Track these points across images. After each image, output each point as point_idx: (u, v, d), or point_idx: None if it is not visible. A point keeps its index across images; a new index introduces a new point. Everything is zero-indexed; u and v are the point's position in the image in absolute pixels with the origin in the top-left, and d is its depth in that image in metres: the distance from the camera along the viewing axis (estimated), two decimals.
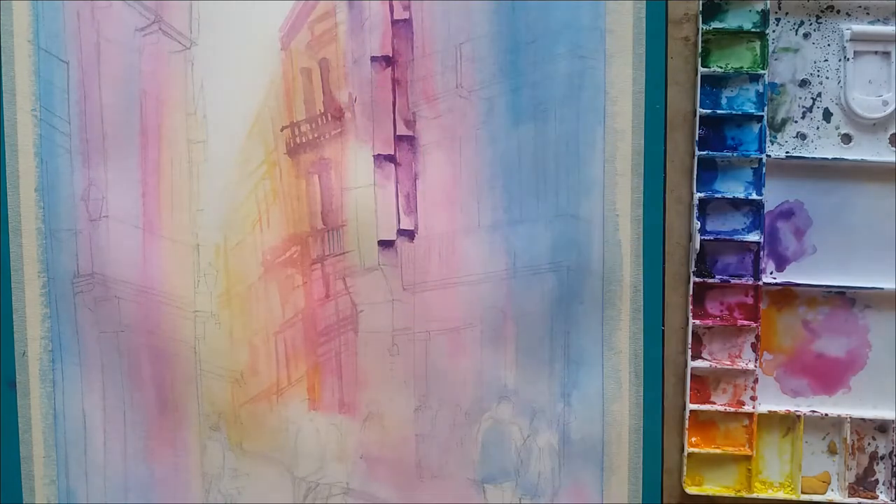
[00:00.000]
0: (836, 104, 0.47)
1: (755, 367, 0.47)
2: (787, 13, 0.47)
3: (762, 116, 0.46)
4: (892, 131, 0.47)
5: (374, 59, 0.47)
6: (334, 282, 0.48)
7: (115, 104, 0.48)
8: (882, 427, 0.47)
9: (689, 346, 0.47)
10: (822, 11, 0.46)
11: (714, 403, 0.47)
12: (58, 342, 0.49)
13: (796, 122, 0.47)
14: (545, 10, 0.47)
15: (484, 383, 0.48)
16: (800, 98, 0.47)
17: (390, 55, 0.47)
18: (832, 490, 0.47)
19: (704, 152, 0.46)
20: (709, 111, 0.46)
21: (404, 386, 0.48)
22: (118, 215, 0.48)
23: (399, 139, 0.48)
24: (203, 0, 0.47)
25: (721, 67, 0.46)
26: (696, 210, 0.47)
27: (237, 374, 0.49)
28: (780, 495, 0.47)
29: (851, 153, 0.47)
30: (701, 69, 0.46)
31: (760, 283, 0.47)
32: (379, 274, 0.48)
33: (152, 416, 0.49)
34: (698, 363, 0.47)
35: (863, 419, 0.47)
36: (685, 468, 0.47)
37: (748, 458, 0.47)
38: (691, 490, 0.47)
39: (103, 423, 0.49)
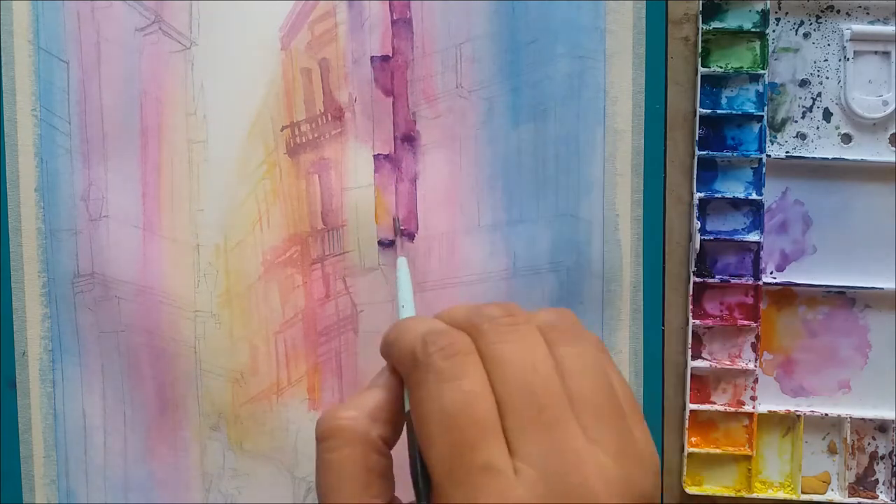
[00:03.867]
0: (836, 104, 0.47)
1: (755, 367, 0.47)
2: (787, 13, 0.47)
3: (762, 116, 0.46)
4: (892, 131, 0.47)
5: (374, 59, 0.47)
6: (334, 282, 0.48)
7: (115, 104, 0.48)
8: (882, 427, 0.47)
9: (689, 346, 0.47)
10: (822, 11, 0.47)
11: (714, 403, 0.47)
12: (58, 342, 0.49)
13: (796, 122, 0.47)
14: (545, 10, 0.47)
15: None
16: (800, 98, 0.47)
17: (390, 55, 0.47)
18: (832, 490, 0.47)
19: (704, 152, 0.46)
20: (709, 111, 0.46)
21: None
22: (118, 215, 0.48)
23: (399, 139, 0.48)
24: (203, 0, 0.47)
25: (721, 67, 0.46)
26: (696, 210, 0.47)
27: (237, 374, 0.49)
28: (780, 495, 0.47)
29: (851, 153, 0.47)
30: (701, 69, 0.46)
31: (760, 283, 0.47)
32: (379, 274, 0.48)
33: (152, 416, 0.49)
34: (698, 363, 0.47)
35: (863, 419, 0.47)
36: (685, 468, 0.47)
37: (748, 458, 0.47)
38: (691, 490, 0.47)
39: (103, 423, 0.49)
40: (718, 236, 0.47)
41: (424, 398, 0.23)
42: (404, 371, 0.25)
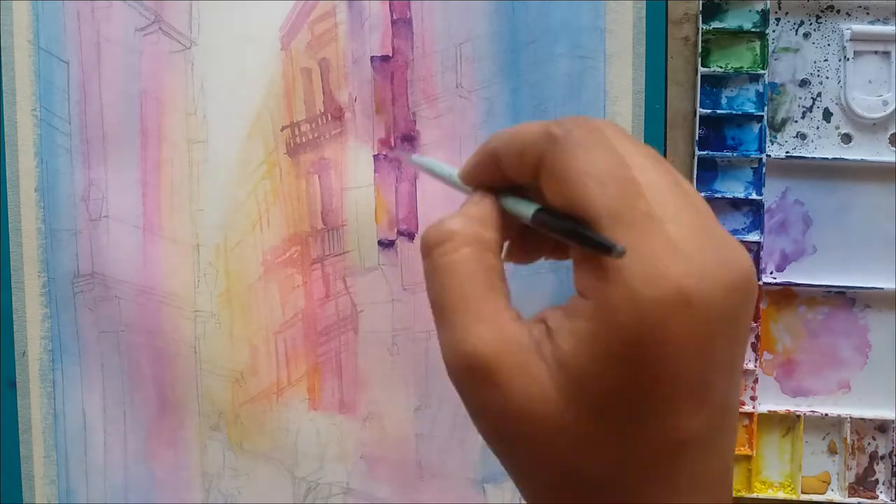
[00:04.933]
0: (836, 104, 0.47)
1: (755, 367, 0.47)
2: (787, 13, 0.47)
3: (762, 116, 0.46)
4: (892, 131, 0.47)
5: (374, 58, 0.47)
6: (334, 282, 0.48)
7: (115, 104, 0.48)
8: (882, 427, 0.47)
9: None
10: (822, 11, 0.46)
11: None
12: (58, 342, 0.49)
13: (796, 122, 0.47)
14: (545, 10, 0.47)
15: None
16: (800, 98, 0.47)
17: (390, 55, 0.47)
18: (832, 490, 0.47)
19: (704, 152, 0.46)
20: (709, 111, 0.46)
21: (404, 386, 0.48)
22: (118, 215, 0.48)
23: (399, 139, 0.48)
24: (203, 0, 0.47)
25: (721, 67, 0.46)
26: None
27: (237, 374, 0.49)
28: (780, 495, 0.47)
29: (851, 153, 0.47)
30: (701, 69, 0.46)
31: (760, 282, 0.47)
32: (379, 274, 0.48)
33: (152, 416, 0.49)
34: None
35: (863, 419, 0.47)
36: None
37: (748, 458, 0.47)
38: None
39: (103, 423, 0.49)
40: None
41: (573, 164, 0.23)
42: (537, 150, 0.25)
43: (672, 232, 0.22)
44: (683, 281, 0.21)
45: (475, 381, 0.24)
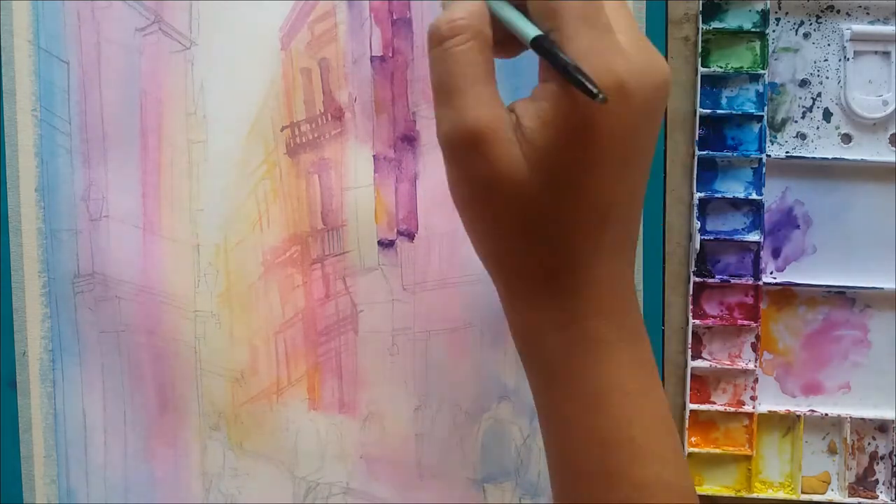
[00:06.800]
0: (836, 104, 0.47)
1: (755, 367, 0.47)
2: (787, 13, 0.47)
3: (762, 116, 0.46)
4: (892, 131, 0.47)
5: (373, 58, 0.47)
6: (334, 282, 0.48)
7: (115, 104, 0.48)
8: (882, 427, 0.47)
9: (689, 346, 0.47)
10: (822, 11, 0.47)
11: (714, 403, 0.47)
12: (58, 342, 0.49)
13: (796, 122, 0.47)
14: None
15: (484, 383, 0.48)
16: (800, 98, 0.47)
17: (390, 55, 0.47)
18: (832, 490, 0.47)
19: (704, 152, 0.46)
20: (709, 111, 0.46)
21: (404, 386, 0.48)
22: (118, 215, 0.48)
23: (399, 139, 0.48)
24: (203, 0, 0.48)
25: (721, 67, 0.47)
26: (696, 210, 0.47)
27: (237, 374, 0.49)
28: (780, 495, 0.47)
29: (851, 153, 0.47)
30: (701, 69, 0.46)
31: (760, 283, 0.47)
32: (379, 274, 0.48)
33: (152, 416, 0.49)
34: (698, 363, 0.47)
35: (863, 419, 0.47)
36: None
37: (748, 458, 0.47)
38: None
39: (103, 423, 0.49)
40: (718, 236, 0.47)
41: None
42: None
43: (622, 40, 0.28)
44: (625, 76, 0.27)
45: (470, 148, 0.29)
